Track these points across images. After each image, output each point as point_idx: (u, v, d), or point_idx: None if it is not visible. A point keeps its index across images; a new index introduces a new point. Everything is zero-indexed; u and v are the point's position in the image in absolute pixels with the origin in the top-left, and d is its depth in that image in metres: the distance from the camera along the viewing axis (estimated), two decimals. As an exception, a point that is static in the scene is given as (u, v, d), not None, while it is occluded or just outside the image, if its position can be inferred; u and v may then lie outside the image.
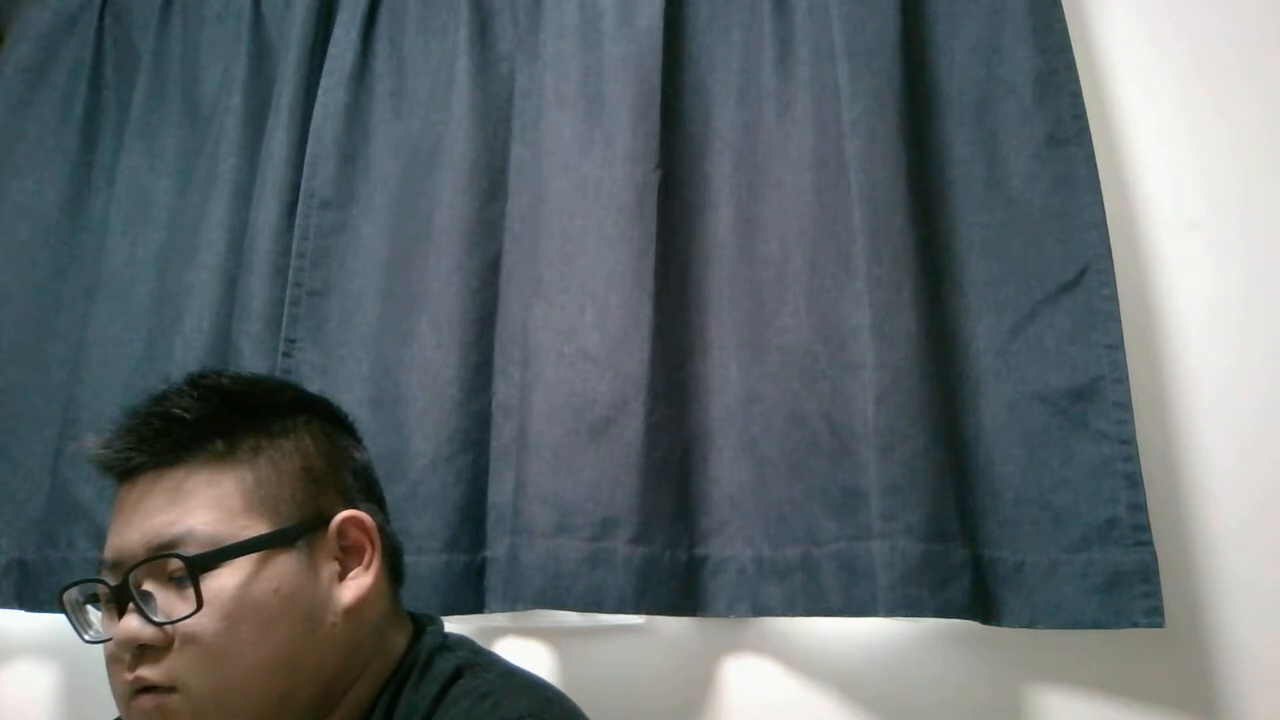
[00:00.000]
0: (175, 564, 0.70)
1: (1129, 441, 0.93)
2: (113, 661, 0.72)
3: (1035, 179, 1.02)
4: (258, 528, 0.73)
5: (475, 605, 1.03)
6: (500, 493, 1.06)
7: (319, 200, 1.18)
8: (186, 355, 1.16)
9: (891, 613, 0.91)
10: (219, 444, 0.74)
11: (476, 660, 0.77)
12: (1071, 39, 1.05)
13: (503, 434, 1.08)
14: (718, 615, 1.00)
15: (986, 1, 1.09)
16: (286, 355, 1.13)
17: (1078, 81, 1.04)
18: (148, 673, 0.69)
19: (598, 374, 1.02)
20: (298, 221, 1.18)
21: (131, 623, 0.70)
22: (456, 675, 0.74)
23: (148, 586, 0.71)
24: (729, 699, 1.02)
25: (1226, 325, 1.01)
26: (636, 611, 0.98)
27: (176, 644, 0.69)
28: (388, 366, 1.11)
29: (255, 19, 1.31)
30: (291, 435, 0.78)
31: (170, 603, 0.70)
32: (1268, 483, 0.96)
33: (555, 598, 0.96)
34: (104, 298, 1.22)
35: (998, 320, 1.01)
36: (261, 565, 0.72)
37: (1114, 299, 0.97)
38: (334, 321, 1.15)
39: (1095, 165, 1.01)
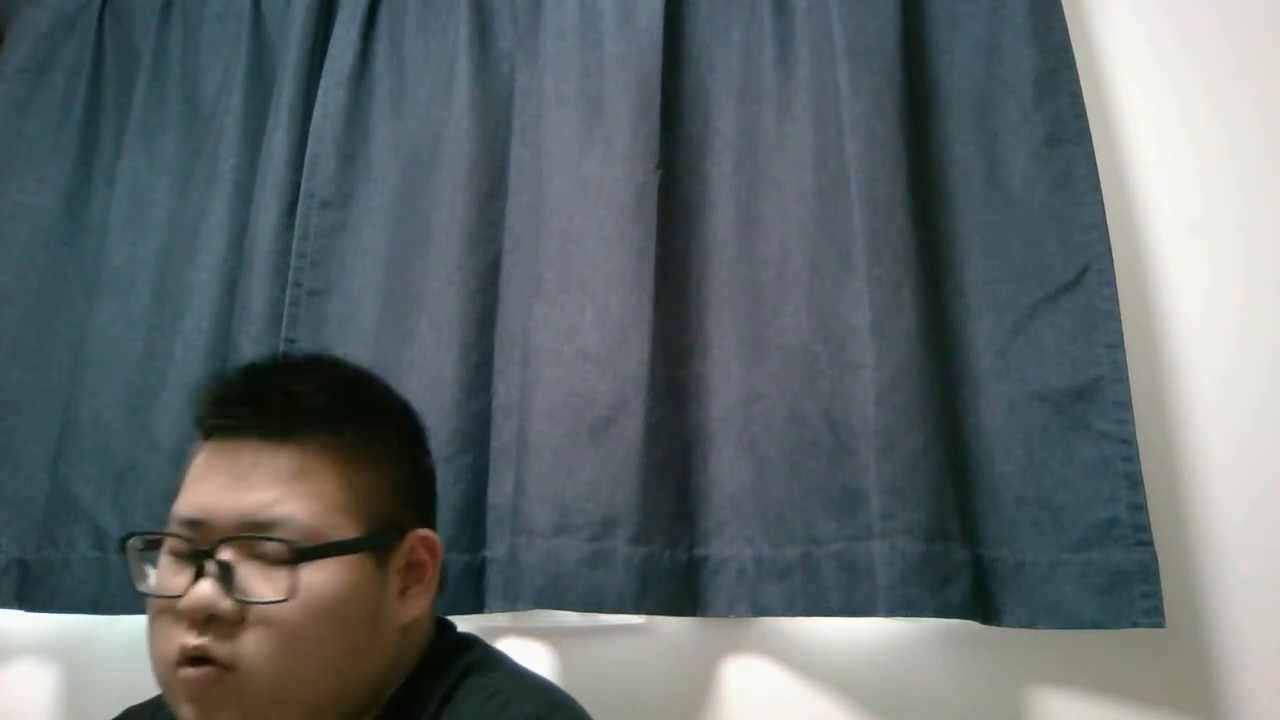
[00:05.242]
0: (267, 544, 0.69)
1: (1129, 441, 0.93)
2: (162, 614, 0.70)
3: (1035, 179, 1.02)
4: (349, 528, 0.72)
5: (475, 605, 1.03)
6: (500, 492, 1.06)
7: (319, 200, 1.18)
8: (186, 355, 1.16)
9: (891, 613, 0.91)
10: (332, 435, 0.74)
11: (486, 660, 0.78)
12: (1071, 39, 1.05)
13: (502, 434, 1.08)
14: (718, 615, 1.00)
15: (986, 1, 1.09)
16: (286, 355, 1.13)
17: (1078, 81, 1.04)
18: (214, 646, 0.67)
19: (598, 374, 1.02)
20: (298, 221, 1.18)
21: (207, 589, 0.68)
22: (466, 673, 0.75)
23: (227, 556, 0.69)
24: (729, 699, 1.02)
25: (1226, 325, 1.01)
26: (636, 611, 0.98)
27: (248, 623, 0.68)
28: (388, 366, 1.11)
29: (255, 19, 1.31)
30: (390, 442, 0.79)
31: (250, 580, 0.69)
32: (1268, 482, 0.96)
33: (555, 598, 0.96)
34: (104, 298, 1.22)
35: (998, 320, 1.01)
36: (348, 567, 0.71)
37: (1114, 299, 0.97)
38: (334, 321, 1.15)
39: (1095, 165, 1.01)
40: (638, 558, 0.97)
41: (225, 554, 0.69)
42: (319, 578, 0.70)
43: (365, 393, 0.80)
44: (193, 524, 0.71)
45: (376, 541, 0.74)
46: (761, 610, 0.98)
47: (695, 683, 1.03)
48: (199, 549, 0.70)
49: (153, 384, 1.17)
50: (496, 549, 1.05)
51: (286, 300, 1.15)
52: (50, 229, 1.30)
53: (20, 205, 1.30)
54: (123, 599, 1.09)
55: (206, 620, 0.68)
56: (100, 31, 1.38)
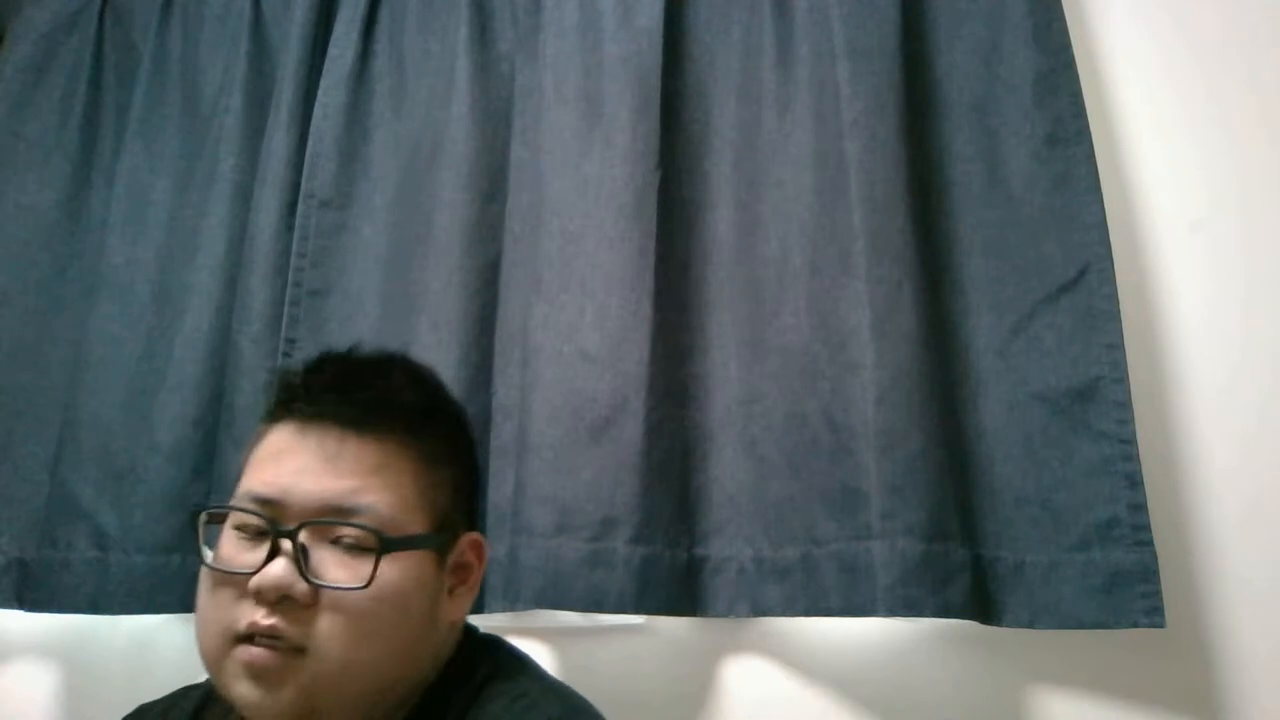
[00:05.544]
0: (346, 530, 0.70)
1: (1129, 441, 0.93)
2: (222, 588, 0.70)
3: (1035, 179, 1.02)
4: (420, 524, 0.74)
5: (475, 605, 1.03)
6: (500, 493, 1.06)
7: (319, 200, 1.18)
8: (186, 355, 1.16)
9: (891, 613, 0.91)
10: (413, 434, 0.76)
11: (512, 662, 0.80)
12: (1071, 39, 1.05)
13: (503, 434, 1.08)
14: (718, 615, 1.00)
15: (986, 1, 1.09)
16: (286, 355, 1.13)
17: (1078, 81, 1.04)
18: (287, 627, 0.67)
19: (597, 374, 1.02)
20: (298, 221, 1.18)
21: (284, 569, 0.68)
22: (492, 675, 0.76)
23: (303, 539, 0.70)
24: (729, 699, 1.02)
25: (1226, 324, 1.01)
26: (636, 611, 0.98)
27: (320, 607, 0.68)
28: (388, 366, 1.11)
29: (255, 19, 1.31)
30: (454, 444, 0.81)
31: (323, 564, 0.69)
32: (1268, 482, 0.96)
33: (555, 598, 0.97)
34: (104, 298, 1.22)
35: (998, 320, 1.01)
36: (419, 562, 0.73)
37: (1114, 299, 0.97)
38: (334, 321, 1.15)
39: (1095, 165, 1.01)
40: (638, 558, 0.97)
41: (302, 536, 0.70)
42: (394, 569, 0.71)
43: (438, 395, 0.82)
44: (269, 503, 0.71)
45: (442, 538, 0.76)
46: (761, 610, 0.98)
47: (695, 683, 1.03)
48: (279, 529, 0.70)
49: (153, 384, 1.17)
50: (496, 549, 1.04)
51: (286, 300, 1.15)
52: (50, 229, 1.30)
53: (20, 205, 1.30)
54: (122, 599, 1.09)
55: (277, 600, 0.68)
56: (100, 31, 1.38)
